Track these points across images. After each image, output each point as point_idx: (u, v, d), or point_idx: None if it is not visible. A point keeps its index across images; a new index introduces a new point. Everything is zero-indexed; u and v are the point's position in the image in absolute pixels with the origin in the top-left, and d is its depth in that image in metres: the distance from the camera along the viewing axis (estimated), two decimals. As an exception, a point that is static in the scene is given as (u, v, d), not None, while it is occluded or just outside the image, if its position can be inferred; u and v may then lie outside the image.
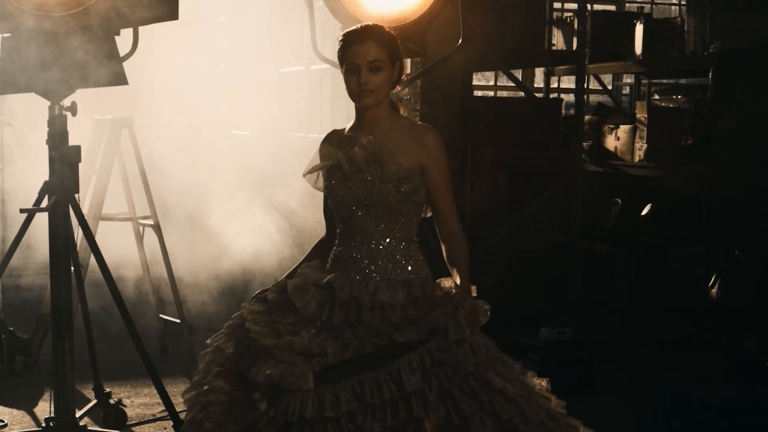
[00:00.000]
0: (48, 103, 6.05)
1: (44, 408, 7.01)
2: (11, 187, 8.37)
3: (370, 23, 4.53)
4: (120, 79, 6.08)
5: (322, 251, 4.64)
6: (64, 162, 6.01)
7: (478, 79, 11.53)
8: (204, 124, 10.71)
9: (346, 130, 4.59)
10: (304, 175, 4.63)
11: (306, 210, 9.72)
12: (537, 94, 10.94)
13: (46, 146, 6.06)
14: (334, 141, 4.56)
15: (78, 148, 6.07)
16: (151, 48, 6.41)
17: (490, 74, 12.10)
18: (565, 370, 7.58)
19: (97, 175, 8.10)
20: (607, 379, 7.90)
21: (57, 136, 6.01)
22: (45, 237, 6.12)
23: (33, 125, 10.34)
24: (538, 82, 11.71)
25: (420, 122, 4.59)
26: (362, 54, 4.37)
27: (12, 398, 7.30)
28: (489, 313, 4.40)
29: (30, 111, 10.23)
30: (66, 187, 6.00)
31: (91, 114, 7.87)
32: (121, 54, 6.06)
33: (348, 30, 4.49)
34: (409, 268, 4.42)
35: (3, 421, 6.80)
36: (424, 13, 6.51)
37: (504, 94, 12.56)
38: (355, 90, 4.41)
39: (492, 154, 8.75)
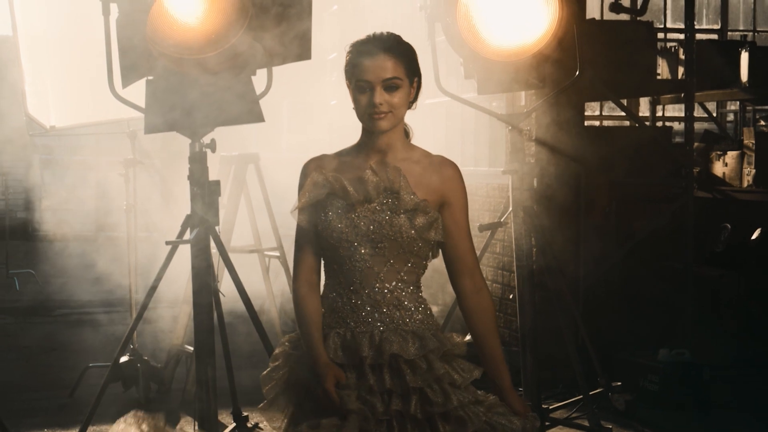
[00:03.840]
0: (188, 140, 6.36)
1: (182, 433, 7.33)
2: (143, 223, 8.71)
3: (385, 32, 3.88)
4: (257, 116, 6.35)
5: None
6: (205, 196, 6.31)
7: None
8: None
9: (343, 155, 3.94)
10: (292, 212, 3.92)
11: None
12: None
13: (182, 182, 6.37)
14: (327, 168, 3.89)
15: (217, 183, 6.35)
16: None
17: (595, 104, 12.26)
18: (684, 391, 7.74)
19: (225, 209, 8.42)
20: (722, 400, 8.02)
21: (198, 172, 6.30)
22: (171, 270, 6.41)
23: (165, 163, 10.76)
24: (643, 111, 11.85)
25: (436, 154, 3.95)
26: (376, 70, 3.74)
27: (150, 424, 7.60)
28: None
29: (161, 150, 10.64)
30: (207, 220, 6.30)
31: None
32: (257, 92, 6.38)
33: (358, 40, 3.87)
34: (419, 316, 3.81)
35: (145, 445, 7.11)
36: (543, 46, 6.71)
37: (607, 123, 12.71)
38: (367, 111, 3.77)
39: (604, 182, 8.92)
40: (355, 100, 3.80)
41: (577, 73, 6.78)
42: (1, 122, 12.09)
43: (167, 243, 6.30)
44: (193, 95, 6.15)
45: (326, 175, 3.82)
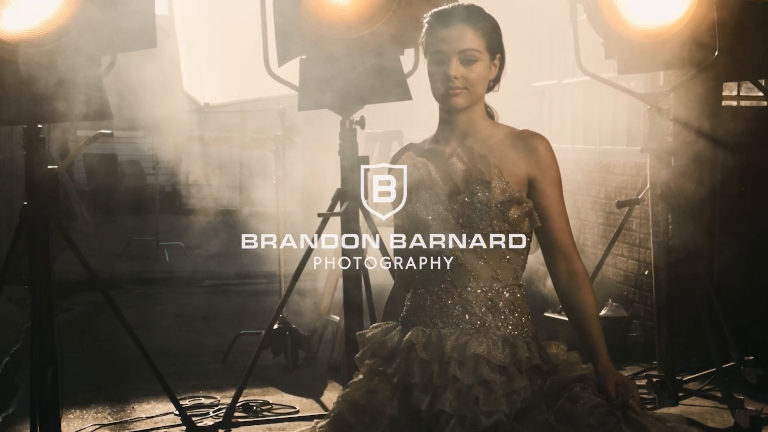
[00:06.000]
0: (336, 118, 6.64)
1: (329, 397, 7.61)
2: (290, 197, 9.04)
3: (466, 2, 3.56)
4: (404, 94, 6.60)
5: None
6: (355, 171, 6.59)
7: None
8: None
9: (427, 143, 3.64)
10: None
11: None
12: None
13: (327, 157, 6.65)
14: (415, 155, 3.60)
15: (366, 159, 6.61)
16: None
17: (733, 84, 12.26)
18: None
19: (371, 184, 8.70)
20: None
21: (348, 148, 6.59)
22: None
23: (309, 139, 11.11)
24: (781, 91, 11.81)
25: (523, 128, 3.57)
26: (453, 40, 3.42)
27: (298, 389, 7.92)
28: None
29: (304, 126, 10.97)
30: (357, 194, 6.57)
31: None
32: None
33: (436, 10, 3.54)
34: (512, 321, 3.44)
35: (294, 408, 7.44)
36: (683, 25, 6.86)
37: (745, 103, 12.70)
38: (441, 86, 3.46)
39: (740, 162, 8.99)
40: (431, 75, 3.50)
41: (716, 53, 6.91)
42: (156, 99, 12.55)
43: (319, 215, 6.57)
44: (345, 73, 6.42)
45: (414, 160, 3.54)
